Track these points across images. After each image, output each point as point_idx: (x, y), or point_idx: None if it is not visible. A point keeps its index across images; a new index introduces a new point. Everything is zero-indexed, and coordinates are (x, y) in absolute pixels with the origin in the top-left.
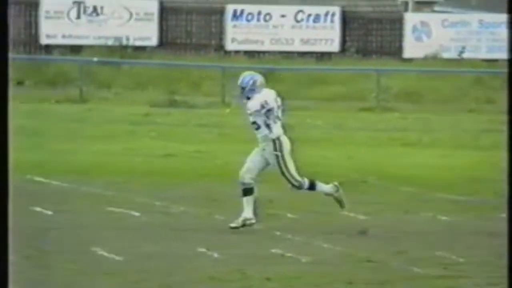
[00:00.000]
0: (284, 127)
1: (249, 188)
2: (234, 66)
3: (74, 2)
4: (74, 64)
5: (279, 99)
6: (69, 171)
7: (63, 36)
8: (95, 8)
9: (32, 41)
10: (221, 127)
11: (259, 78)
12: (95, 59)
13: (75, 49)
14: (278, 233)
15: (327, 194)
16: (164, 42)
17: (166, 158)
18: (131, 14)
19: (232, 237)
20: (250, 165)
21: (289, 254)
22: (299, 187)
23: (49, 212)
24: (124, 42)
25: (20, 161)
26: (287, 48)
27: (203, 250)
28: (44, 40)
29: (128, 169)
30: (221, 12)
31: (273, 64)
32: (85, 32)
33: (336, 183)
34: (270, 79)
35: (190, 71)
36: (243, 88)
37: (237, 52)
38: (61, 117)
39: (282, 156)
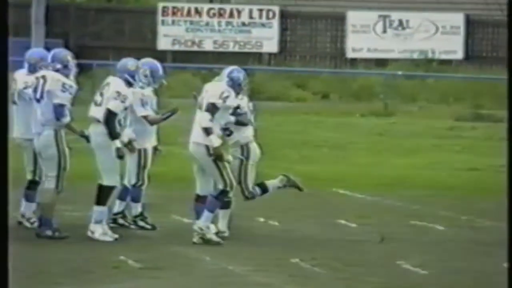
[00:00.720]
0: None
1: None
2: None
3: (380, 16)
4: (379, 77)
5: (251, 104)
6: (373, 184)
7: (369, 50)
8: (401, 22)
9: (338, 55)
10: None
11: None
12: (400, 72)
13: (380, 63)
14: None
15: (282, 187)
16: (470, 55)
17: (470, 172)
18: (437, 28)
19: None
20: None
21: None
22: (252, 197)
23: (353, 225)
24: (430, 55)
25: (323, 174)
26: None
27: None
28: (350, 54)
29: (433, 183)
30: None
31: None
32: (390, 46)
33: (282, 175)
34: None
35: (496, 84)
36: (239, 85)
37: None
38: (365, 130)
39: (246, 163)
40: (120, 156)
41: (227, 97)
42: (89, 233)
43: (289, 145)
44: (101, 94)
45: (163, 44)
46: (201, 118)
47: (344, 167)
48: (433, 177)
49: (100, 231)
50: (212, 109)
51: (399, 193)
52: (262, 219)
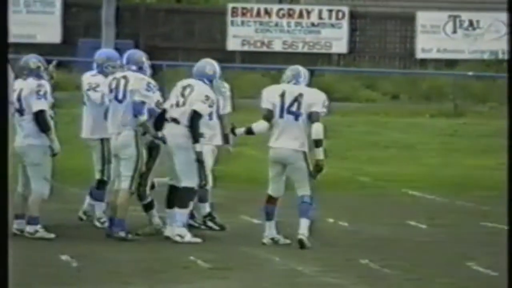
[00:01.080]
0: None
1: None
2: None
3: (450, 16)
4: (449, 78)
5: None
6: (443, 185)
7: (438, 50)
8: (471, 22)
9: (407, 55)
10: None
11: None
12: (470, 73)
13: (450, 63)
14: None
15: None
16: None
17: None
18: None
19: None
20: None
21: None
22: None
23: (423, 226)
24: (500, 56)
25: (392, 175)
26: None
27: None
28: (419, 54)
29: (504, 184)
30: None
31: None
32: (460, 46)
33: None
34: None
35: None
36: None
37: None
38: (435, 131)
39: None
40: (200, 160)
41: (327, 105)
42: (177, 238)
43: (358, 146)
44: (183, 95)
45: (232, 44)
46: (316, 129)
47: (413, 167)
48: (504, 178)
49: (189, 234)
50: (318, 118)
51: (470, 194)
52: (331, 220)
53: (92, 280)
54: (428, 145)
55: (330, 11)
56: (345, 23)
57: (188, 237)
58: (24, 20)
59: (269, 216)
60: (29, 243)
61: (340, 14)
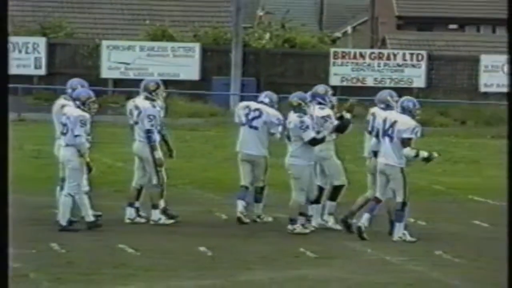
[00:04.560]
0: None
1: None
2: None
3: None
4: (506, 107)
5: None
6: (501, 193)
7: (498, 85)
8: None
9: (473, 89)
10: None
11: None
12: None
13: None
14: None
15: None
16: None
17: None
18: None
19: None
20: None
21: None
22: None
23: (486, 225)
24: None
25: (461, 184)
26: None
27: None
28: (482, 89)
29: None
30: None
31: None
32: None
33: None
34: None
35: None
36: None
37: None
38: (495, 149)
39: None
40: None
41: (417, 132)
42: (330, 224)
43: (434, 162)
44: (311, 117)
45: (333, 81)
46: (408, 152)
47: (478, 179)
48: None
49: (332, 220)
50: (409, 143)
51: None
52: (412, 220)
53: (223, 266)
54: (489, 160)
55: (412, 54)
56: (423, 64)
57: (331, 223)
58: (170, 62)
59: (372, 211)
60: (173, 236)
61: (420, 57)
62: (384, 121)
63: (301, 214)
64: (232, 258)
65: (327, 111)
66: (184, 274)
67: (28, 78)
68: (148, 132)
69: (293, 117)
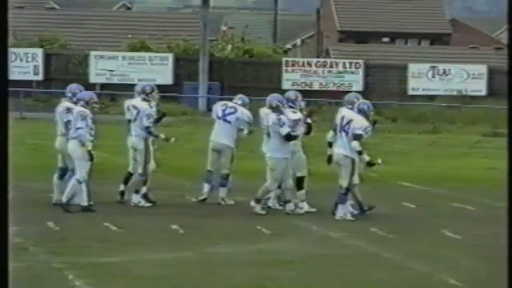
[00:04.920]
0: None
1: None
2: None
3: (430, 67)
4: (429, 107)
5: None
6: (426, 179)
7: (423, 89)
8: (444, 71)
9: (402, 93)
10: None
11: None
12: (444, 104)
13: (431, 98)
14: None
15: None
16: (491, 93)
17: (490, 171)
18: (468, 74)
19: None
20: None
21: None
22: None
23: (413, 206)
24: (463, 93)
25: (392, 172)
26: None
27: None
28: (410, 92)
29: (466, 178)
30: None
31: None
32: (437, 87)
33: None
34: None
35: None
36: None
37: None
38: (420, 143)
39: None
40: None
41: (368, 131)
42: (306, 208)
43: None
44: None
45: (285, 85)
46: (355, 144)
47: (407, 168)
48: (466, 174)
49: (306, 205)
50: (358, 138)
51: (444, 185)
52: (351, 202)
53: (193, 241)
54: (417, 152)
55: (351, 62)
56: (361, 71)
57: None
58: (148, 69)
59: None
60: (150, 216)
61: (358, 65)
62: (342, 118)
63: (285, 202)
64: (200, 235)
65: (298, 115)
66: (160, 248)
67: (28, 83)
68: (148, 128)
69: (272, 116)
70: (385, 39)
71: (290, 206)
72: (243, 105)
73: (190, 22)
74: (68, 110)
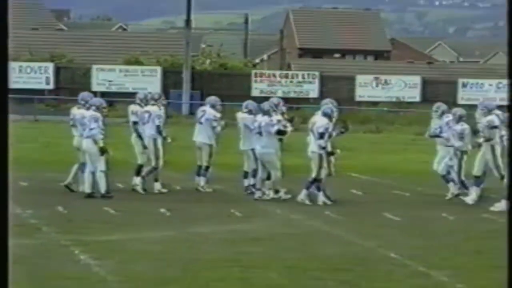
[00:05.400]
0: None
1: None
2: None
3: (374, 77)
4: (374, 111)
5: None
6: (372, 170)
7: (369, 96)
8: (385, 81)
9: (351, 99)
10: None
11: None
12: (385, 109)
13: (375, 103)
14: None
15: None
16: (424, 99)
17: (423, 164)
18: (405, 84)
19: None
20: None
21: None
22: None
23: (360, 193)
24: (401, 99)
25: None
26: None
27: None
28: (357, 99)
29: (404, 170)
30: None
31: None
32: (380, 94)
33: None
34: None
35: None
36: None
37: None
38: (365, 141)
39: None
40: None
41: (327, 128)
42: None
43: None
44: None
45: (254, 93)
46: (320, 142)
47: (354, 161)
48: (404, 167)
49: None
50: (322, 136)
51: (385, 175)
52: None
53: (177, 222)
54: (362, 148)
55: (309, 74)
56: (317, 81)
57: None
58: (140, 80)
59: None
60: (142, 202)
61: (314, 76)
62: (311, 122)
63: (276, 190)
64: (184, 217)
65: (280, 117)
66: (151, 227)
67: (40, 91)
68: (158, 127)
69: (264, 117)
70: (337, 55)
71: (258, 193)
72: (212, 106)
73: (175, 41)
74: (83, 115)
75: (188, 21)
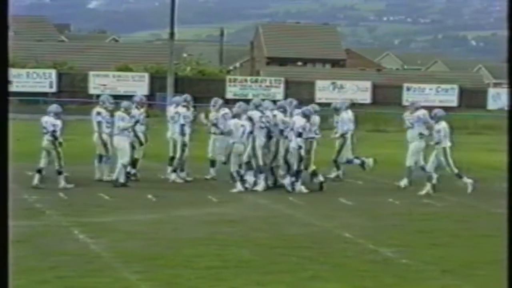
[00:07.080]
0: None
1: None
2: None
3: (331, 83)
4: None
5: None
6: (328, 164)
7: (326, 99)
8: (341, 85)
9: (310, 101)
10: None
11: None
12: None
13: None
14: None
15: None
16: (375, 101)
17: (373, 156)
18: (358, 88)
19: None
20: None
21: None
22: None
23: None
24: (354, 101)
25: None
26: None
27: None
28: (317, 100)
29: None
30: None
31: None
32: (336, 96)
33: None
34: None
35: (385, 113)
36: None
37: None
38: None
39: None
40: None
41: (305, 128)
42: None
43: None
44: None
45: (228, 95)
46: (298, 140)
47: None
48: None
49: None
50: (299, 135)
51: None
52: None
53: (162, 207)
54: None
55: (275, 80)
56: (282, 86)
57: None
58: (130, 84)
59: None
60: (132, 189)
61: (280, 81)
62: (292, 122)
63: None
64: (168, 202)
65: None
66: (139, 211)
67: (45, 94)
68: (182, 126)
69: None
70: (299, 63)
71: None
72: (182, 104)
73: (160, 51)
74: (98, 113)
75: (171, 34)
